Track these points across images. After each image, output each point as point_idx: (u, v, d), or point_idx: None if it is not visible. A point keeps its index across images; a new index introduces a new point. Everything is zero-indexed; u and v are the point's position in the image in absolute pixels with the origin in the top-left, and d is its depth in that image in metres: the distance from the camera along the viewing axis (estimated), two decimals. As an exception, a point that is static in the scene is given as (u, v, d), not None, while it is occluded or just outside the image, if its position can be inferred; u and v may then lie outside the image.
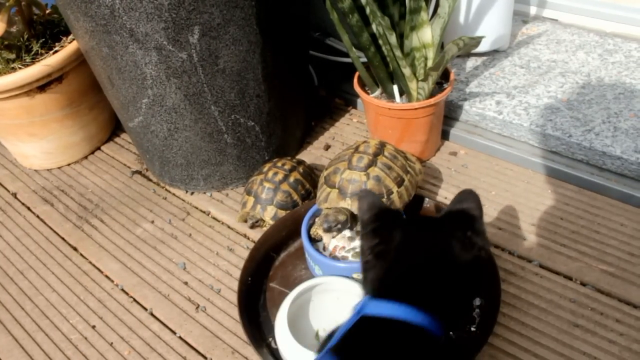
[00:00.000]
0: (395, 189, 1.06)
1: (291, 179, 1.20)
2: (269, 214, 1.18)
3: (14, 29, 1.37)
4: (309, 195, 1.22)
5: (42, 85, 1.36)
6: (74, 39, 1.40)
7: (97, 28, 1.06)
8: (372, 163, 1.07)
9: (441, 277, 0.65)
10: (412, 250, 0.68)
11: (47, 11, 1.50)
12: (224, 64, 1.12)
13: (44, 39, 1.40)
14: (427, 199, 1.17)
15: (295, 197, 1.19)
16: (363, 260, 0.71)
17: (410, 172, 1.11)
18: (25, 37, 1.38)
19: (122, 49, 1.08)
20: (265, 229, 1.20)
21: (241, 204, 1.25)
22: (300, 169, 1.24)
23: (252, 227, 1.22)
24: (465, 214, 0.70)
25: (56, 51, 1.38)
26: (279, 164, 1.23)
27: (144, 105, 1.18)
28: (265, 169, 1.23)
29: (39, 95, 1.37)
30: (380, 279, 0.67)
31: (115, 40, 1.07)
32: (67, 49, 1.37)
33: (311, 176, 1.26)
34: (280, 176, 1.20)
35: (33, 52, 1.37)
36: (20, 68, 1.33)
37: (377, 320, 0.62)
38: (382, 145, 1.12)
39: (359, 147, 1.11)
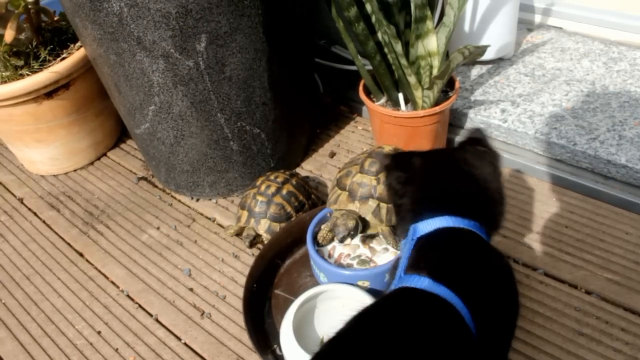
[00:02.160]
0: (403, 195, 1.06)
1: (284, 192, 1.20)
2: (263, 227, 1.18)
3: (22, 36, 1.38)
4: (302, 207, 1.22)
5: (50, 92, 1.37)
6: (81, 46, 1.41)
7: (105, 36, 1.07)
8: None
9: (469, 187, 0.75)
10: (434, 169, 0.77)
11: (55, 18, 1.51)
12: (230, 72, 1.12)
13: (51, 46, 1.41)
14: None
15: (289, 209, 1.20)
16: (392, 195, 0.78)
17: None
18: (34, 44, 1.40)
19: (130, 57, 1.09)
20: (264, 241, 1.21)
21: (236, 219, 1.25)
22: (293, 181, 1.23)
23: (251, 245, 1.20)
24: (472, 138, 0.80)
25: (64, 58, 1.39)
26: (272, 177, 1.23)
27: (150, 112, 1.19)
28: (258, 183, 1.23)
29: (46, 101, 1.38)
30: (417, 202, 0.75)
31: (123, 47, 1.08)
32: (74, 56, 1.38)
33: (304, 188, 1.25)
34: (272, 189, 1.20)
35: (41, 59, 1.38)
36: (28, 75, 1.34)
37: (433, 235, 0.71)
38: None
39: (373, 152, 1.12)
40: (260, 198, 1.20)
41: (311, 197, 1.25)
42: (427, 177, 0.76)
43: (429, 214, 0.72)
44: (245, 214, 1.21)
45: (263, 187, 1.21)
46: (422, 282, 0.65)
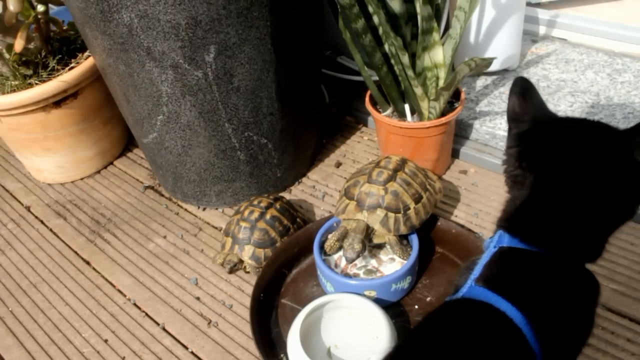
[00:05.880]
0: (412, 205, 1.07)
1: (268, 217, 1.18)
2: (247, 254, 1.16)
3: (31, 46, 1.39)
4: (287, 232, 1.20)
5: (58, 101, 1.38)
6: (89, 56, 1.42)
7: (114, 46, 1.08)
8: (391, 178, 1.08)
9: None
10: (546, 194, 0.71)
11: (64, 28, 1.52)
12: (238, 83, 1.13)
13: (60, 55, 1.43)
14: (440, 218, 1.17)
15: (273, 234, 1.18)
16: (510, 170, 0.75)
17: (429, 189, 1.12)
18: (43, 53, 1.41)
19: (139, 67, 1.10)
20: (246, 271, 1.20)
21: (220, 246, 1.23)
22: (277, 206, 1.21)
23: (231, 272, 1.19)
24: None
25: (72, 67, 1.40)
26: (255, 202, 1.21)
27: (158, 121, 1.20)
28: (242, 209, 1.22)
29: (54, 110, 1.39)
30: (516, 213, 0.73)
31: (132, 58, 1.09)
32: (82, 65, 1.40)
33: (289, 212, 1.23)
34: (256, 214, 1.18)
35: (49, 68, 1.39)
36: (36, 84, 1.35)
37: (514, 251, 0.70)
38: (403, 162, 1.13)
39: (381, 162, 1.12)
40: (243, 224, 1.18)
41: (297, 220, 1.24)
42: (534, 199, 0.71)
43: (522, 236, 0.70)
44: (229, 240, 1.19)
45: (246, 213, 1.19)
46: (488, 297, 0.66)
